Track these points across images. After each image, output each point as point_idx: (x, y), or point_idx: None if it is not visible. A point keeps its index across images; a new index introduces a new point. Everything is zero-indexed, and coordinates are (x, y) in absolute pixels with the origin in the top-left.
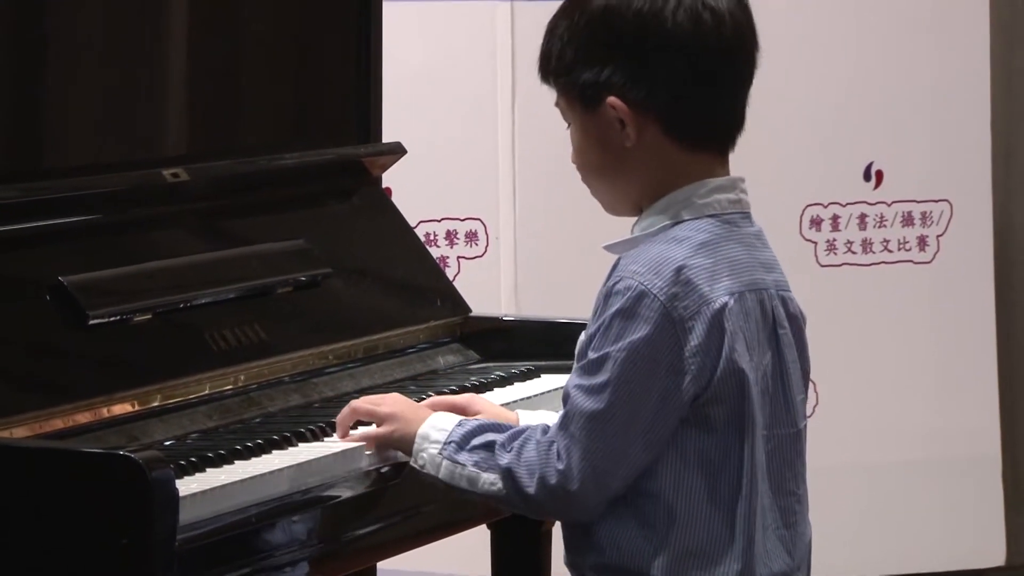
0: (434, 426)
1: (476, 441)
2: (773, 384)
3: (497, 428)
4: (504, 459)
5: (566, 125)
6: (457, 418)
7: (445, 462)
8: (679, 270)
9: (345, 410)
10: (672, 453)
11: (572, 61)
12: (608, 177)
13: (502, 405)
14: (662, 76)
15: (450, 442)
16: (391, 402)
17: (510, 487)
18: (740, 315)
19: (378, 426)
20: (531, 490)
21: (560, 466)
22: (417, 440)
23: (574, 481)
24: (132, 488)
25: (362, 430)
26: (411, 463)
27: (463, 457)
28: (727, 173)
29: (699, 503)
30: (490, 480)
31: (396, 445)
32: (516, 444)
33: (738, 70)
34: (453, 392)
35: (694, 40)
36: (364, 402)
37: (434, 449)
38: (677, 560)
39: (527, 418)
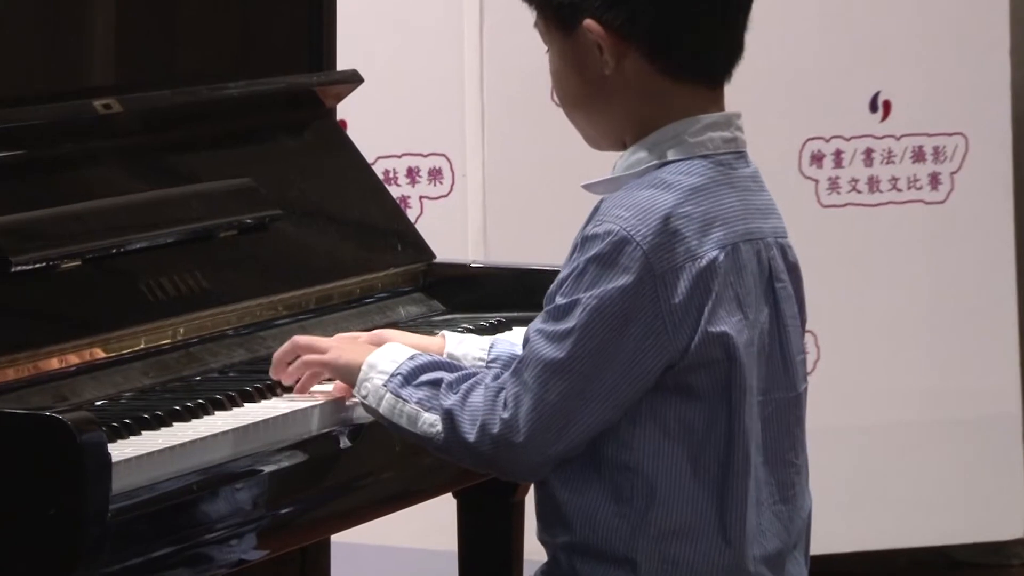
0: (385, 356)
1: (425, 377)
2: (770, 344)
3: (450, 367)
4: (448, 400)
5: (545, 49)
6: (411, 351)
7: (388, 395)
8: (667, 218)
9: (285, 345)
10: (650, 422)
11: None
12: (587, 108)
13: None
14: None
15: (397, 374)
16: (337, 337)
17: (449, 431)
18: (732, 270)
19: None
20: (470, 437)
21: (505, 415)
22: (364, 368)
23: (519, 433)
24: (60, 453)
25: (304, 358)
26: (354, 392)
27: (407, 392)
28: (722, 108)
29: (682, 478)
30: (430, 421)
31: (340, 372)
32: (464, 386)
33: None
34: None
35: None
36: (306, 336)
37: (379, 380)
38: (657, 541)
39: (453, 342)
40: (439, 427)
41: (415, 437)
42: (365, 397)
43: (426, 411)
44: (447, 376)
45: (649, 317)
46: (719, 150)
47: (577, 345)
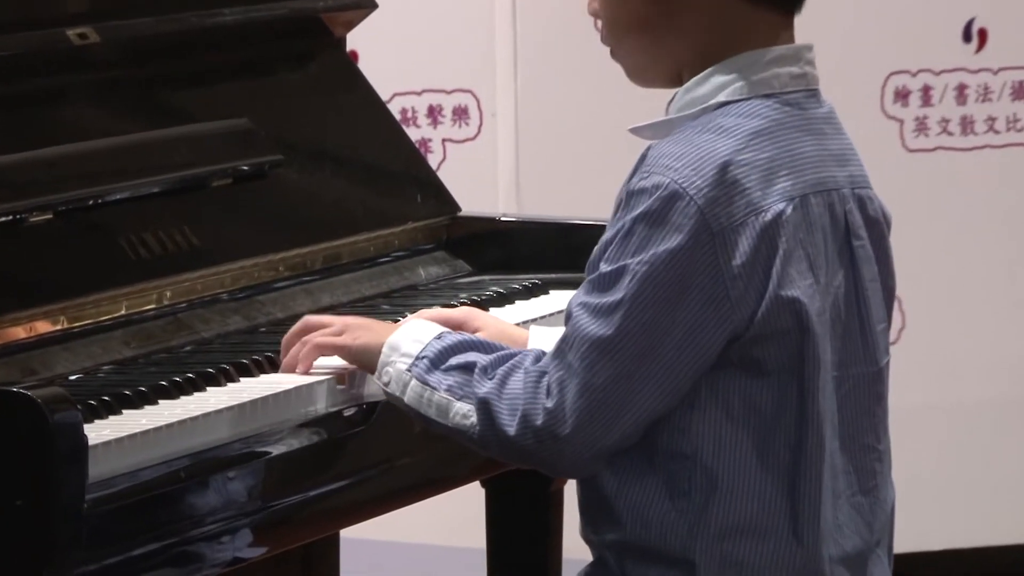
0: (408, 335)
1: (455, 360)
2: (847, 311)
3: (484, 347)
4: (483, 388)
5: None
6: (439, 329)
7: (414, 382)
8: (724, 167)
9: (295, 327)
10: (711, 403)
11: None
12: (642, 33)
13: None
14: None
15: (423, 357)
16: (353, 317)
17: (485, 423)
18: (801, 226)
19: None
20: (511, 430)
21: (549, 404)
22: (385, 350)
23: (565, 424)
24: (29, 435)
25: (317, 341)
26: (374, 379)
27: (435, 378)
28: (791, 39)
29: (747, 466)
30: (463, 411)
31: (357, 356)
32: (501, 371)
33: None
34: None
35: None
36: (318, 316)
37: (403, 364)
38: (719, 539)
39: (540, 338)
40: (473, 418)
41: (447, 430)
42: (387, 384)
43: (458, 400)
44: (481, 359)
45: (708, 283)
46: (786, 88)
47: (627, 319)
